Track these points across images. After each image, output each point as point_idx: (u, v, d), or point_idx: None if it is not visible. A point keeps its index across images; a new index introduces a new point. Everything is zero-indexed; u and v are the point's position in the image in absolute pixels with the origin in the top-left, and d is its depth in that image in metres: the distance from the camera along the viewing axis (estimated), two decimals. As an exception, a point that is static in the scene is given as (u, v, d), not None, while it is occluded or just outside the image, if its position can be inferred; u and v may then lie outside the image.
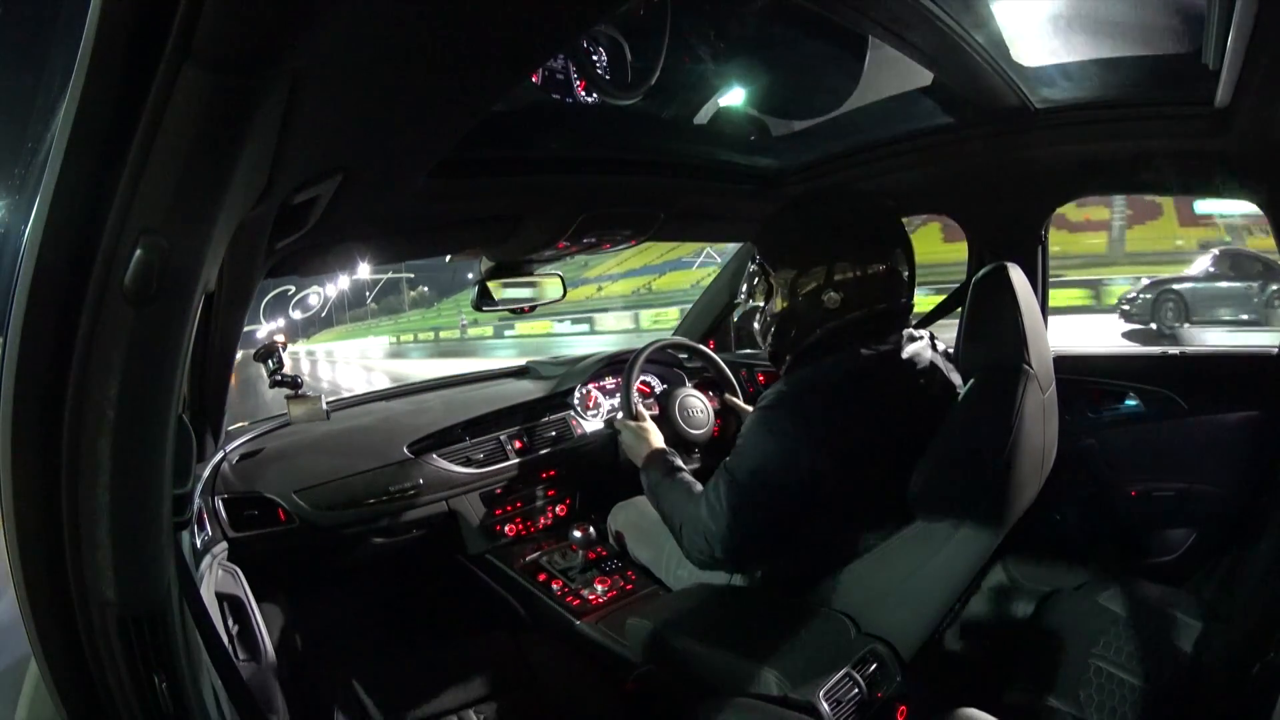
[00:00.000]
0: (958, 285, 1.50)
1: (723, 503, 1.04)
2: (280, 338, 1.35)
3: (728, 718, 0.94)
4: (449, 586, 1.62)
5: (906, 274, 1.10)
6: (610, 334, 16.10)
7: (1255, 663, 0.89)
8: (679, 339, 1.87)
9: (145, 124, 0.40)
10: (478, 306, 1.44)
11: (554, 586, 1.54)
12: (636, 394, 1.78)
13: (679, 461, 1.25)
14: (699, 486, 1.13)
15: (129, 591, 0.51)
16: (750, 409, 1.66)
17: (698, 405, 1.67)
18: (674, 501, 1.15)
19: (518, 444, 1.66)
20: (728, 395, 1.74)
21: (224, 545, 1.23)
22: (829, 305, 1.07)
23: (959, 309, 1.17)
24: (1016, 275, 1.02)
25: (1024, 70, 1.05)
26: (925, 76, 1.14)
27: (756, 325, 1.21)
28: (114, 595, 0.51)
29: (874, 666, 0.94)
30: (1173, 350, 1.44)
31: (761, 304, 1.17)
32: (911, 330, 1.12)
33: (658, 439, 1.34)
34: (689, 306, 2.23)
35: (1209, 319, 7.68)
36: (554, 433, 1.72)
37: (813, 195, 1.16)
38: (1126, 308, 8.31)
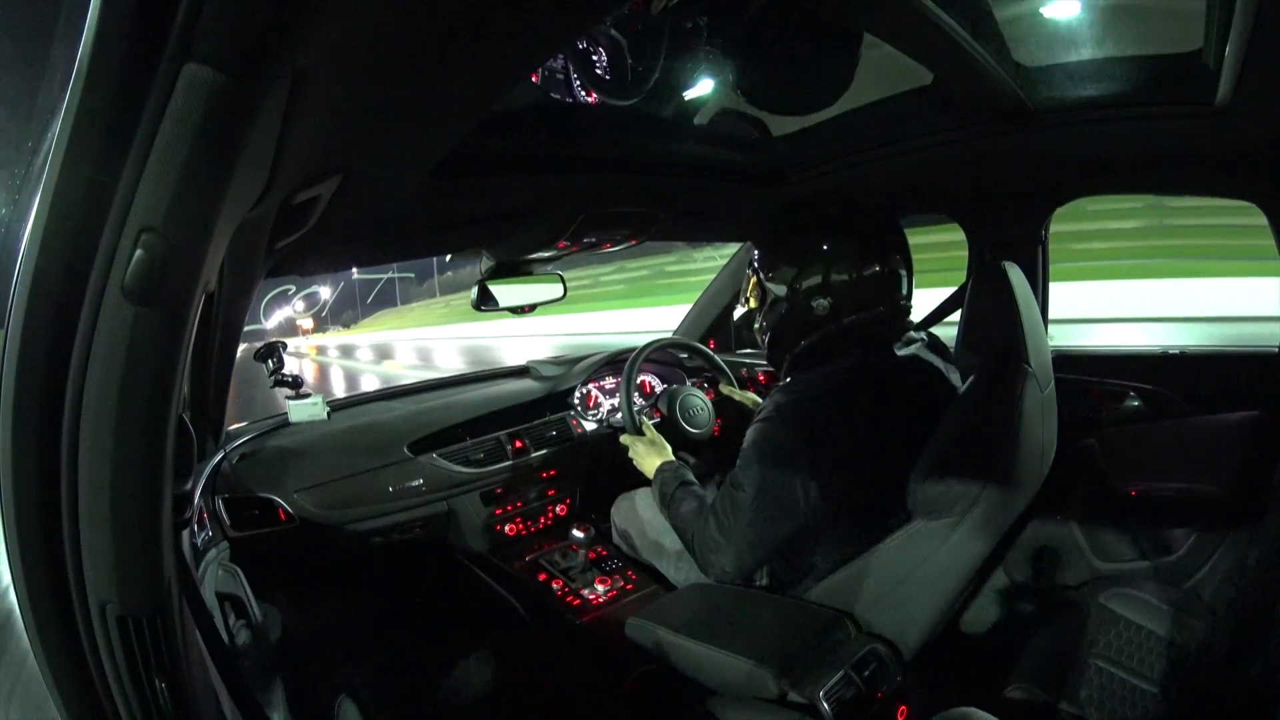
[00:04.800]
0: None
1: (730, 518, 1.05)
2: (308, 323, 1.36)
3: (728, 718, 0.94)
4: (449, 586, 1.62)
5: (904, 276, 1.10)
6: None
7: (1255, 663, 0.89)
8: (676, 338, 1.87)
9: (145, 123, 0.40)
10: (477, 306, 1.45)
11: (554, 586, 1.54)
12: (638, 400, 1.78)
13: (688, 473, 1.25)
14: (709, 499, 1.14)
15: (129, 591, 0.51)
16: (748, 395, 1.67)
17: (699, 404, 1.67)
18: (685, 516, 1.16)
19: (518, 444, 1.66)
20: (723, 385, 1.74)
21: (224, 545, 1.23)
22: (822, 310, 1.08)
23: (959, 309, 1.17)
24: (1015, 275, 1.02)
25: (1024, 70, 1.05)
26: (925, 76, 1.14)
27: (756, 328, 1.21)
28: (114, 595, 0.51)
29: (874, 666, 0.94)
30: (1173, 350, 1.44)
31: (755, 307, 1.18)
32: (911, 332, 1.12)
33: (666, 450, 1.35)
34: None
35: None
36: (554, 432, 1.72)
37: (809, 200, 1.16)
38: None
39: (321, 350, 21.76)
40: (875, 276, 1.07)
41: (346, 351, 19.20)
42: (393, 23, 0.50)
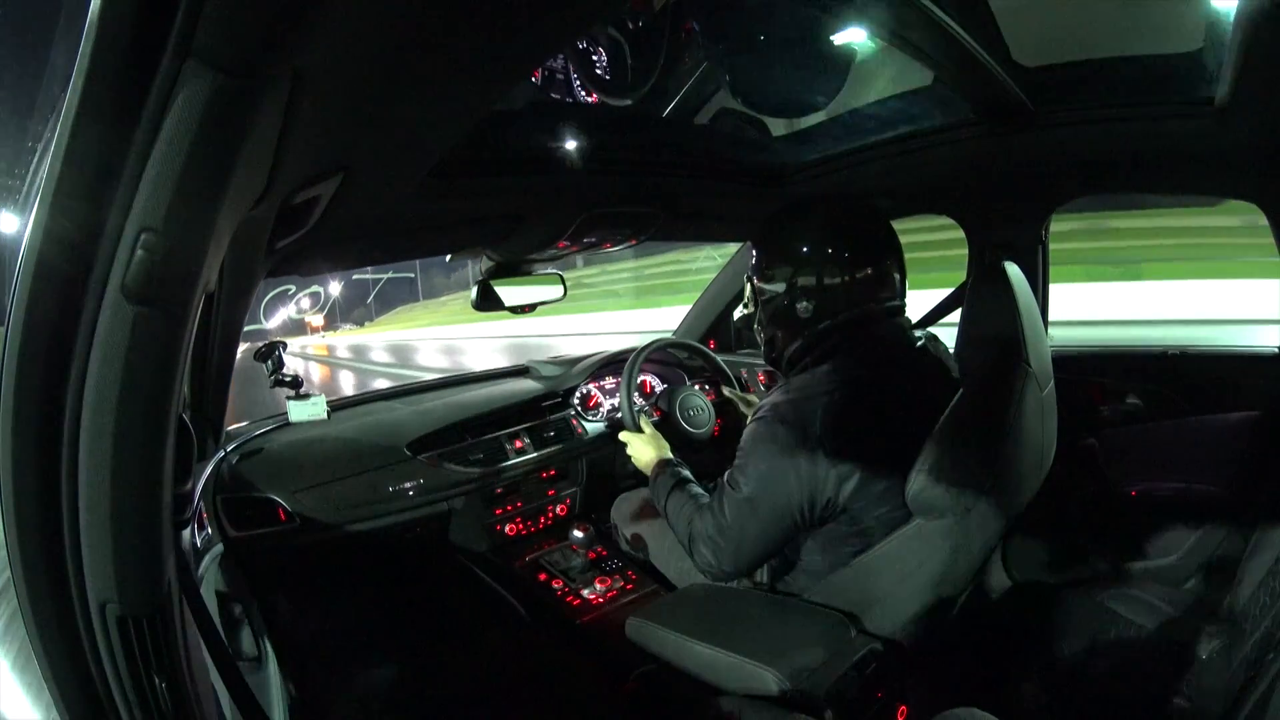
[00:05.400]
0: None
1: (726, 517, 1.05)
2: (318, 320, 1.36)
3: (728, 717, 0.94)
4: (449, 586, 1.62)
5: (897, 277, 1.10)
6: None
7: (1255, 663, 0.89)
8: (677, 338, 1.87)
9: (145, 124, 0.40)
10: (478, 306, 1.45)
11: (554, 586, 1.54)
12: (638, 400, 1.78)
13: (686, 472, 1.25)
14: (706, 497, 1.14)
15: (129, 591, 0.51)
16: (749, 397, 1.68)
17: (699, 404, 1.67)
18: (682, 515, 1.16)
19: (518, 444, 1.66)
20: (724, 387, 1.75)
21: (224, 545, 1.23)
22: (804, 313, 1.08)
23: (959, 308, 1.17)
24: (1015, 274, 1.02)
25: (1024, 70, 1.05)
26: (925, 76, 1.14)
27: (755, 327, 1.22)
28: (114, 595, 0.51)
29: (874, 666, 0.94)
30: (1173, 350, 1.44)
31: (752, 310, 1.18)
32: (911, 331, 1.12)
33: (664, 449, 1.35)
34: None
35: None
36: (554, 432, 1.72)
37: (804, 201, 1.16)
38: None
39: (331, 350, 19.76)
40: (866, 275, 1.07)
41: (360, 353, 16.85)
42: (393, 23, 0.50)
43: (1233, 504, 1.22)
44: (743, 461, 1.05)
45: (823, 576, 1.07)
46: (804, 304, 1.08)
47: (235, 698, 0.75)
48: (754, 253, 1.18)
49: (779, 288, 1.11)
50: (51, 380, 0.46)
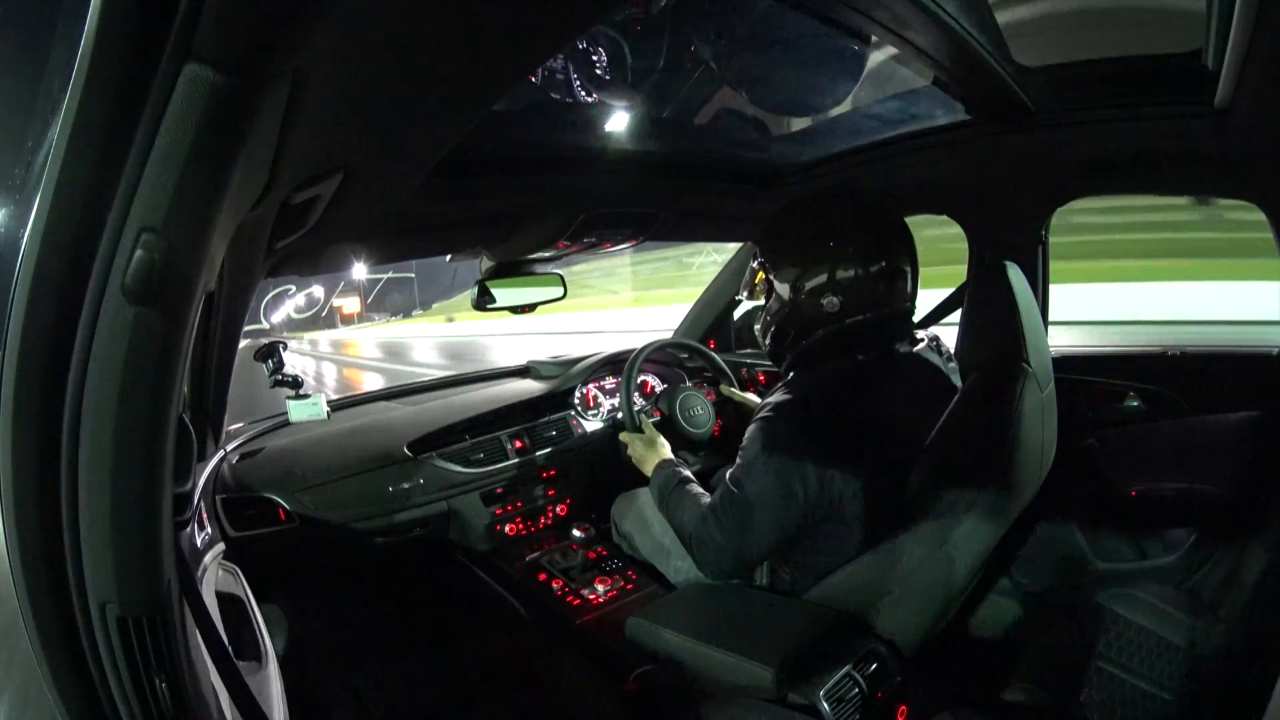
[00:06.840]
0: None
1: (728, 517, 1.05)
2: (352, 307, 1.35)
3: (728, 718, 0.94)
4: (449, 586, 1.62)
5: (910, 276, 1.10)
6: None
7: (1255, 663, 0.89)
8: (676, 338, 1.87)
9: (145, 124, 0.40)
10: (478, 306, 1.45)
11: (554, 586, 1.54)
12: (638, 400, 1.78)
13: (686, 472, 1.25)
14: (707, 497, 1.14)
15: (129, 591, 0.51)
16: (748, 396, 1.68)
17: (699, 404, 1.67)
18: (683, 515, 1.16)
19: (518, 444, 1.66)
20: (723, 386, 1.75)
21: (224, 545, 1.24)
22: (829, 308, 1.07)
23: (959, 308, 1.17)
24: (1015, 275, 1.02)
25: (1024, 70, 1.05)
26: (925, 76, 1.14)
27: (758, 325, 1.21)
28: (114, 595, 0.51)
29: (874, 666, 0.94)
30: (1173, 350, 1.44)
31: (761, 303, 1.18)
32: (914, 332, 1.12)
33: (664, 449, 1.35)
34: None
35: None
36: (554, 432, 1.73)
37: (817, 195, 1.16)
38: None
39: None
40: (882, 275, 1.07)
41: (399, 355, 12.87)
42: (393, 22, 0.50)
43: (1233, 504, 1.22)
44: (745, 461, 1.05)
45: (822, 576, 1.07)
46: (818, 302, 1.08)
47: (235, 698, 0.75)
48: (764, 248, 1.18)
49: (786, 284, 1.11)
50: (51, 380, 0.46)
